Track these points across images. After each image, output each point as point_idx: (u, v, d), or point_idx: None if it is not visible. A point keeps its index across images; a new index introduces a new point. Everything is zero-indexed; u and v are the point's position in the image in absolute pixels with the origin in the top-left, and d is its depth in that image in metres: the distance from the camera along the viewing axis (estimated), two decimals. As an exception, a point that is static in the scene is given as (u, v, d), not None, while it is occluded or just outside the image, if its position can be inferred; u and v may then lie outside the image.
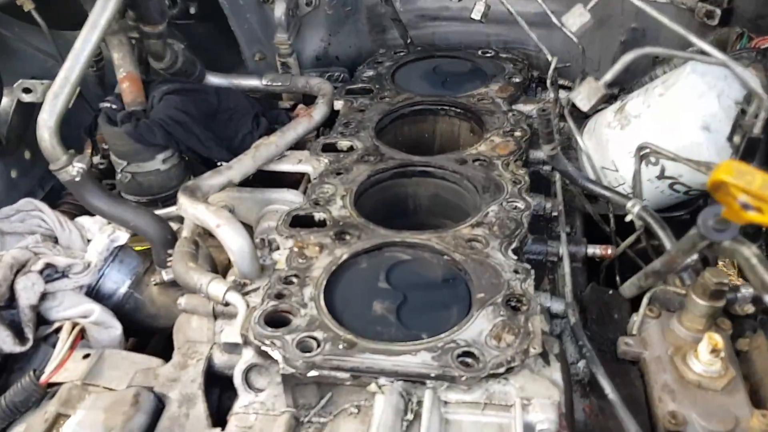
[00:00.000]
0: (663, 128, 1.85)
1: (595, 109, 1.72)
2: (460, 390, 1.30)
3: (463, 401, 1.30)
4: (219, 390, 1.58)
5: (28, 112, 2.34)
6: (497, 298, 1.43)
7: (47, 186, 2.51)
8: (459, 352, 1.31)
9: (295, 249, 1.62)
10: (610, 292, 1.73)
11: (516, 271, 1.51)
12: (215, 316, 1.69)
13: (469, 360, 1.31)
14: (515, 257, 1.55)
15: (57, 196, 2.38)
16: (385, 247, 1.64)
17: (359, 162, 1.96)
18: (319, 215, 1.74)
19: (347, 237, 1.65)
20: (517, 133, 2.02)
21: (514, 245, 1.59)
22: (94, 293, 1.88)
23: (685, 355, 1.47)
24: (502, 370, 1.29)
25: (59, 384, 1.58)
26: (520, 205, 1.72)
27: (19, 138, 2.46)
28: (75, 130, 2.37)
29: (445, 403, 1.31)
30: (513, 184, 1.79)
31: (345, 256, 1.58)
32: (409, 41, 2.74)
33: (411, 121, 2.31)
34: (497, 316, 1.39)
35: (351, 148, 2.04)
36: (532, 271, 1.50)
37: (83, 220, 2.01)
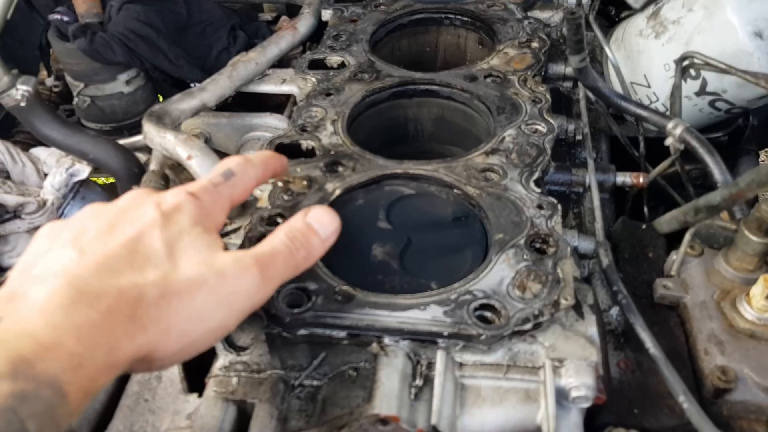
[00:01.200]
0: (706, 35, 1.59)
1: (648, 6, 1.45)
2: (478, 350, 1.09)
3: (482, 363, 1.10)
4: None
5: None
6: (519, 239, 1.20)
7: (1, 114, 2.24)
8: (476, 305, 1.09)
9: (279, 183, 1.37)
10: (644, 226, 1.51)
11: (540, 206, 1.27)
12: (189, 260, 1.47)
13: (488, 314, 1.09)
14: (538, 190, 1.32)
15: (12, 124, 2.11)
16: (385, 179, 1.39)
17: (352, 81, 1.69)
18: (306, 143, 1.49)
19: (340, 168, 1.41)
20: (535, 44, 1.75)
21: (536, 175, 1.35)
22: (53, 236, 1.65)
23: (735, 300, 1.27)
24: (528, 326, 1.07)
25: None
26: (542, 127, 1.47)
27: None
28: (30, 50, 2.10)
29: (461, 365, 1.10)
30: (532, 104, 1.53)
31: (338, 192, 1.35)
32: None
33: (410, 33, 2.02)
34: (520, 261, 1.16)
35: (342, 65, 1.77)
36: (559, 206, 1.27)
37: (38, 151, 1.75)
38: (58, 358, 0.68)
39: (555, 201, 1.28)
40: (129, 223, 0.85)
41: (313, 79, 1.71)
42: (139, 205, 0.89)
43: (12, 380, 0.65)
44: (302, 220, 1.03)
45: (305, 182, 1.37)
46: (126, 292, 0.76)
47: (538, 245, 1.21)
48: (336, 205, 1.34)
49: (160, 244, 0.84)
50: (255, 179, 1.07)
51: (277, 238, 0.98)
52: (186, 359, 0.90)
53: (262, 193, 1.37)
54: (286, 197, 1.34)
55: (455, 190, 1.35)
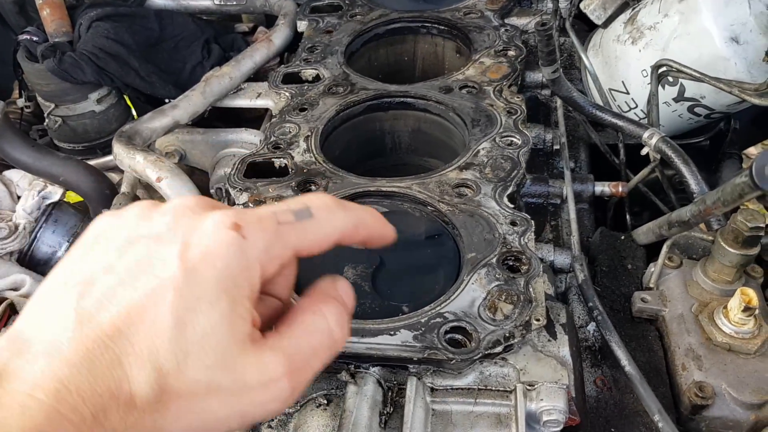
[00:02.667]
0: (683, 41, 1.57)
1: (611, 22, 1.43)
2: (449, 374, 1.08)
3: (453, 387, 1.08)
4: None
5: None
6: (492, 258, 1.18)
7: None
8: (447, 328, 1.07)
9: (251, 204, 1.35)
10: (622, 237, 1.49)
11: (513, 223, 1.25)
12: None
13: (459, 337, 1.07)
14: (512, 205, 1.30)
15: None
16: (358, 197, 1.37)
17: (326, 94, 1.66)
18: (279, 161, 1.47)
19: (312, 187, 1.39)
20: (511, 53, 1.72)
21: (510, 190, 1.33)
22: (27, 260, 1.63)
23: (712, 313, 1.25)
24: (499, 349, 1.05)
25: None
26: (517, 139, 1.44)
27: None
28: (7, 67, 2.07)
29: (432, 390, 1.08)
30: (508, 115, 1.51)
31: None
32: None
33: (388, 42, 1.99)
34: (492, 281, 1.14)
35: (317, 78, 1.75)
36: (532, 222, 1.25)
37: (11, 173, 1.73)
38: None
39: (528, 217, 1.26)
40: (141, 275, 0.67)
41: (287, 94, 1.69)
42: (160, 242, 0.69)
43: None
44: (350, 299, 0.80)
45: (277, 202, 1.35)
46: (115, 394, 0.61)
47: (510, 263, 1.19)
48: None
49: (167, 319, 0.65)
50: (338, 232, 0.78)
51: (322, 324, 0.74)
52: None
53: None
54: None
55: (428, 208, 1.33)
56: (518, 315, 1.08)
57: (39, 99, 1.83)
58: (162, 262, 0.67)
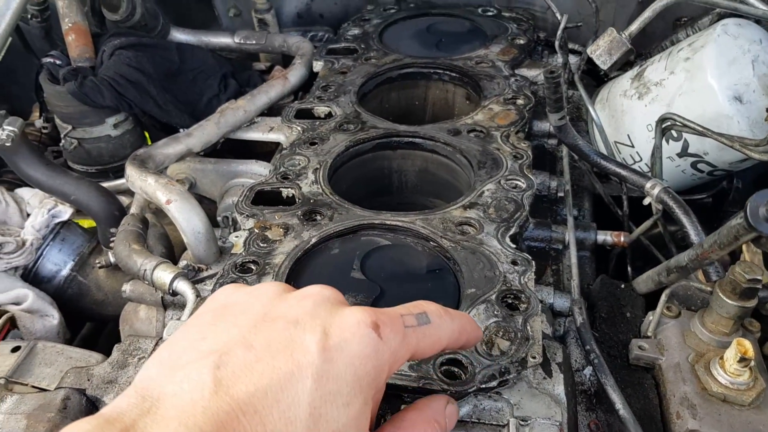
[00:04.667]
0: (688, 98, 1.60)
1: (617, 68, 1.46)
2: (443, 406, 1.07)
3: (445, 419, 1.08)
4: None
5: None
6: (491, 295, 1.19)
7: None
8: (443, 360, 1.08)
9: (256, 230, 1.37)
10: (623, 285, 1.49)
11: (514, 262, 1.27)
12: (164, 305, 1.46)
13: (455, 370, 1.07)
14: (513, 245, 1.31)
15: (2, 164, 2.13)
16: (361, 230, 1.39)
17: (337, 131, 1.70)
18: (287, 191, 1.50)
19: (318, 217, 1.41)
20: (520, 101, 1.77)
21: (512, 230, 1.35)
22: (31, 276, 1.65)
23: (709, 363, 1.25)
24: (494, 383, 1.05)
25: (-18, 381, 1.36)
26: (521, 183, 1.47)
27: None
28: (27, 91, 2.13)
29: (425, 421, 1.08)
30: (514, 159, 1.54)
31: (313, 240, 1.34)
32: (401, -4, 2.47)
33: (400, 86, 2.05)
34: (490, 317, 1.15)
35: (329, 115, 1.79)
36: (533, 263, 1.26)
37: (23, 191, 1.77)
38: None
39: (529, 257, 1.27)
40: (279, 355, 0.65)
41: (299, 128, 1.73)
42: (299, 327, 0.68)
43: None
44: (452, 424, 0.85)
45: (282, 230, 1.37)
46: None
47: (509, 301, 1.20)
48: (310, 253, 1.34)
49: (304, 408, 0.63)
50: (447, 337, 0.80)
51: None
52: None
53: (238, 239, 1.37)
54: (262, 244, 1.34)
55: (431, 243, 1.35)
56: (515, 351, 1.09)
57: (57, 120, 1.88)
58: (301, 347, 0.65)
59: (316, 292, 0.76)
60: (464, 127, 1.69)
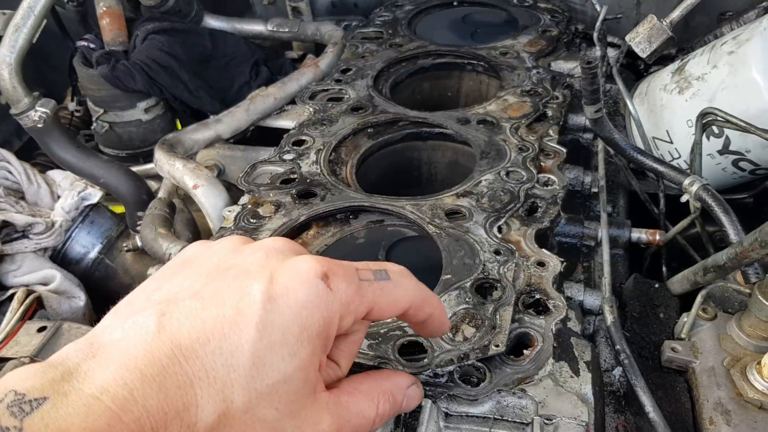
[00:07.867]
0: (730, 93, 1.55)
1: (657, 56, 1.41)
2: (464, 401, 1.04)
3: (468, 414, 1.04)
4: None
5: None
6: (466, 282, 1.16)
7: (26, 136, 2.28)
8: (404, 342, 1.05)
9: (249, 206, 1.37)
10: (656, 285, 1.44)
11: (497, 252, 1.22)
12: (190, 290, 1.46)
13: (414, 351, 1.04)
14: (499, 235, 1.27)
15: (35, 147, 2.15)
16: (353, 211, 1.40)
17: (347, 113, 1.69)
18: (285, 168, 1.50)
19: (310, 197, 1.40)
20: (537, 93, 1.72)
21: (502, 221, 1.31)
22: (60, 257, 1.66)
23: (745, 368, 1.20)
24: (450, 368, 1.03)
25: (7, 360, 1.38)
26: (522, 175, 1.43)
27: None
28: (61, 75, 2.15)
29: (447, 415, 1.05)
30: (518, 152, 1.50)
31: (301, 219, 1.33)
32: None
33: (433, 77, 2.01)
34: (461, 303, 1.12)
35: (343, 97, 1.77)
36: (516, 254, 1.22)
37: (54, 173, 1.78)
38: None
39: (513, 248, 1.23)
40: (225, 303, 0.66)
41: (311, 109, 1.71)
42: (249, 276, 0.69)
43: None
44: (408, 402, 0.86)
45: (273, 207, 1.37)
46: (180, 414, 0.61)
47: (484, 288, 1.16)
48: (296, 231, 1.34)
49: (247, 356, 0.64)
50: (409, 299, 0.79)
51: (371, 414, 0.79)
52: None
53: (230, 214, 1.37)
54: (252, 220, 1.34)
55: (415, 227, 1.33)
56: (478, 339, 1.05)
57: (89, 104, 1.89)
58: (248, 296, 0.67)
59: (269, 242, 0.76)
60: (474, 116, 1.65)
